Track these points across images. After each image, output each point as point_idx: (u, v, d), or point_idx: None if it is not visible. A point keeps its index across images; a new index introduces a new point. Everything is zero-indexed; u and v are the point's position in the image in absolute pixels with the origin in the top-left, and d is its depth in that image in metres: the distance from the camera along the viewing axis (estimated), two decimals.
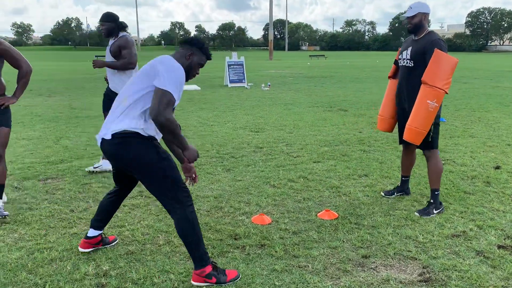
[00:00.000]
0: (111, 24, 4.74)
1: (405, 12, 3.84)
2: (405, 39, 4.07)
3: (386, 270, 2.88)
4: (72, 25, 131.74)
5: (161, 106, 2.42)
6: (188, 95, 12.45)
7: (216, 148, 6.13)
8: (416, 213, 3.79)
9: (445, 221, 3.63)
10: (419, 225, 3.57)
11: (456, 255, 3.07)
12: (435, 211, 3.79)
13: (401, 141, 4.10)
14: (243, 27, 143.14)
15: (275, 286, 2.68)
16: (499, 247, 3.18)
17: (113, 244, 3.19)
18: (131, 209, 3.89)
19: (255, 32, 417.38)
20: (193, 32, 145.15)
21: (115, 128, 2.60)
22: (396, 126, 4.17)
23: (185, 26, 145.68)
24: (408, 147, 4.14)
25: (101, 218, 3.05)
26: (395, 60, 4.06)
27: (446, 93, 3.55)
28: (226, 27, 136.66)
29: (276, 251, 3.11)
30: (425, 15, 3.72)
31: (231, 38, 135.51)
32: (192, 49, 2.73)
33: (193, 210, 2.66)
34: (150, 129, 2.64)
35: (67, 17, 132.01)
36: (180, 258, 3.01)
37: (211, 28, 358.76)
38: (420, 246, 3.20)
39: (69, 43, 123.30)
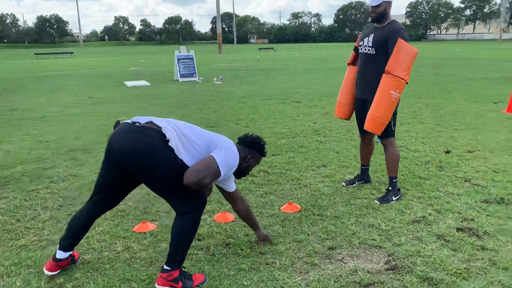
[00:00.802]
0: None
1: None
2: (365, 27, 4.06)
3: (353, 260, 2.88)
4: (7, 21, 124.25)
5: (200, 177, 2.36)
6: (137, 91, 12.05)
7: None
8: (376, 201, 3.83)
9: (405, 208, 3.69)
10: (380, 213, 3.61)
11: (418, 240, 3.12)
12: (394, 198, 3.84)
13: (361, 129, 4.11)
14: (190, 20, 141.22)
15: (244, 286, 2.59)
16: (458, 229, 3.26)
17: (79, 260, 2.86)
18: None
19: (202, 26, 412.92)
20: (138, 27, 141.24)
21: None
22: (357, 115, 4.16)
23: (130, 21, 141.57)
24: (366, 136, 4.17)
25: (71, 237, 2.66)
26: (355, 47, 4.06)
27: (407, 83, 3.59)
28: (173, 21, 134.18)
29: (242, 249, 3.02)
30: (389, 3, 3.71)
31: (178, 32, 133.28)
32: (252, 152, 2.74)
33: (201, 217, 2.58)
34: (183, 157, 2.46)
35: (1, 13, 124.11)
36: (141, 265, 2.85)
37: (157, 22, 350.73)
38: (384, 234, 3.23)
39: (5, 40, 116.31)
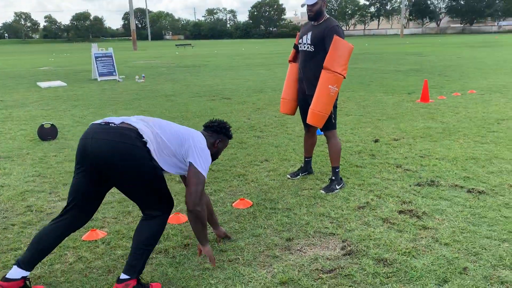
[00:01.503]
0: None
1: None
2: (303, 25, 4.20)
3: (311, 249, 2.99)
4: None
5: (198, 195, 2.45)
6: (54, 93, 11.27)
7: None
8: (321, 191, 4.00)
9: (349, 195, 3.90)
10: (327, 201, 3.77)
11: (367, 225, 3.32)
12: (337, 187, 4.04)
13: (305, 123, 4.26)
14: (99, 16, 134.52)
15: (211, 285, 2.58)
16: (400, 212, 3.52)
17: None
18: (23, 228, 3.39)
19: (113, 22, 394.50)
20: (42, 23, 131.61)
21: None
22: (301, 110, 4.30)
23: (32, 17, 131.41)
24: (309, 130, 4.33)
25: (37, 253, 2.42)
26: (295, 44, 4.19)
27: (344, 77, 3.78)
28: (81, 17, 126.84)
29: None
30: (324, 2, 3.87)
31: (88, 28, 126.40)
32: (220, 136, 2.78)
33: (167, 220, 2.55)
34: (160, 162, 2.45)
35: None
36: (98, 274, 2.71)
37: (63, 19, 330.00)
38: (335, 222, 3.39)
39: None
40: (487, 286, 2.50)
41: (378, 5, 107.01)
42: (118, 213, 3.63)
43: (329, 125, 4.00)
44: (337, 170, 4.10)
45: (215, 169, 4.68)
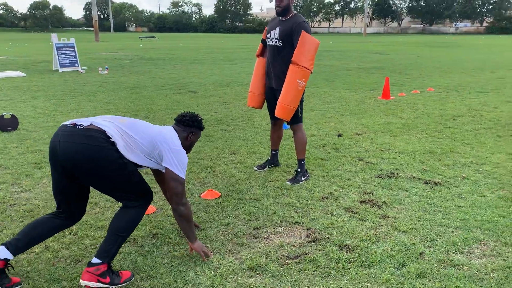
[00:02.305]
0: None
1: None
2: (270, 20, 4.28)
3: (278, 237, 3.10)
4: None
5: (180, 196, 2.56)
6: (13, 83, 10.88)
7: None
8: (287, 182, 4.12)
9: (313, 186, 4.04)
10: (293, 192, 3.90)
11: (330, 214, 3.46)
12: (303, 178, 4.17)
13: (272, 117, 4.35)
14: (59, 6, 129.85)
15: (180, 272, 2.64)
16: (361, 202, 3.69)
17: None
18: None
19: (74, 12, 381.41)
20: None
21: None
22: (268, 103, 4.39)
23: None
24: (276, 123, 4.43)
25: (27, 239, 2.45)
26: (262, 39, 4.26)
27: (311, 72, 3.90)
28: (39, 6, 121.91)
29: (171, 238, 3.04)
30: None
31: (47, 18, 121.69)
32: (192, 129, 2.80)
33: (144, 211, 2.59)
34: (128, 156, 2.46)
35: None
36: (66, 263, 2.71)
37: (21, 7, 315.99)
38: (300, 211, 3.51)
39: None
40: (440, 269, 2.68)
41: (342, 3, 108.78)
42: None
43: (296, 119, 4.12)
44: (302, 162, 4.23)
45: None
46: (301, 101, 4.08)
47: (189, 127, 2.81)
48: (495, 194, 3.82)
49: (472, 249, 2.91)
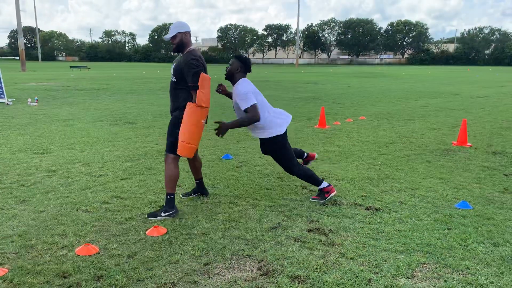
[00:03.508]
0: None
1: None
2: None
3: (229, 272, 3.05)
4: None
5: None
6: None
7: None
8: (146, 215, 3.98)
9: (261, 217, 4.05)
10: (242, 224, 3.88)
11: (280, 245, 3.48)
12: (163, 214, 3.97)
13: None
14: None
15: None
16: (309, 231, 3.75)
17: None
18: None
19: None
20: None
21: None
22: None
23: None
24: None
25: None
26: None
27: (208, 107, 3.91)
28: None
29: (117, 280, 2.89)
30: (185, 33, 3.98)
31: None
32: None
33: None
34: None
35: None
36: None
37: None
38: (250, 243, 3.49)
39: None
40: None
41: (275, 35, 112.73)
42: (19, 247, 3.34)
43: (171, 148, 4.03)
44: (168, 196, 4.05)
45: (124, 197, 4.54)
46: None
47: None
48: (431, 217, 4.06)
49: (415, 273, 3.04)
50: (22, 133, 8.12)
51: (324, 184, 4.49)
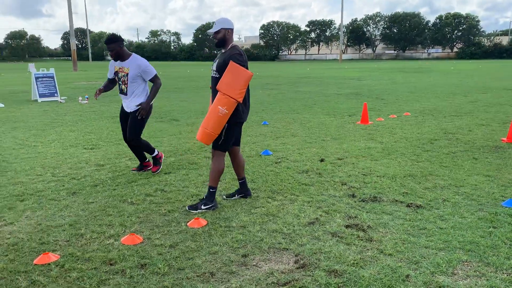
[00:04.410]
0: None
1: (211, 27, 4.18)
2: (218, 52, 4.39)
3: (266, 264, 3.12)
4: None
5: None
6: None
7: (50, 171, 5.51)
8: (187, 208, 4.11)
9: (299, 212, 4.09)
10: (279, 218, 3.93)
11: (317, 239, 3.50)
12: (203, 207, 4.09)
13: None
14: (36, 35, 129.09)
15: None
16: (347, 227, 3.75)
17: None
18: None
19: (51, 42, 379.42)
20: None
21: None
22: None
23: None
24: (231, 152, 4.40)
25: None
26: None
27: (239, 102, 3.91)
28: (16, 36, 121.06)
29: (159, 268, 3.03)
30: (228, 30, 4.08)
31: (24, 48, 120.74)
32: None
33: None
34: None
35: None
36: None
37: None
38: (287, 237, 3.54)
39: None
40: None
41: (318, 31, 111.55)
42: (70, 235, 3.56)
43: (216, 145, 4.14)
44: (211, 189, 4.16)
45: (167, 190, 4.71)
46: (230, 130, 4.08)
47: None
48: (475, 215, 3.94)
49: (456, 270, 2.98)
50: (74, 129, 8.56)
51: (156, 151, 5.39)
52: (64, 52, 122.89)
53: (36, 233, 3.60)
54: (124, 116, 5.40)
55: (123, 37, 5.23)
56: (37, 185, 4.92)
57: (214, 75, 4.13)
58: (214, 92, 4.13)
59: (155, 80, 5.21)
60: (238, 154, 4.44)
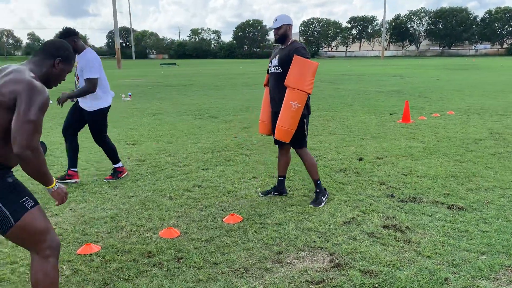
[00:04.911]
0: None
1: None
2: (273, 48, 4.43)
3: (301, 262, 3.11)
4: None
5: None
6: None
7: (94, 165, 5.73)
8: (310, 205, 4.15)
9: (335, 211, 4.05)
10: (315, 217, 3.91)
11: (353, 239, 3.46)
12: (323, 198, 4.22)
13: (276, 141, 4.40)
14: (83, 34, 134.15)
15: None
16: (384, 227, 3.68)
17: None
18: None
19: (96, 40, 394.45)
20: (25, 40, 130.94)
21: None
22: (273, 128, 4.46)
23: (15, 34, 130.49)
24: (283, 148, 4.45)
25: None
26: (267, 69, 4.38)
27: (309, 93, 3.95)
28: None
29: (195, 262, 3.09)
30: (289, 26, 4.13)
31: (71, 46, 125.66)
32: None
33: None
34: None
35: None
36: (95, 286, 2.79)
37: (47, 36, 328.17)
38: (322, 236, 3.52)
39: None
40: None
41: (359, 27, 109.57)
42: (111, 228, 3.70)
43: (300, 143, 4.20)
44: (318, 182, 4.29)
45: (204, 186, 4.79)
46: (304, 124, 4.15)
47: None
48: None
49: (498, 275, 2.87)
50: (117, 125, 8.85)
51: (120, 164, 5.12)
52: (108, 50, 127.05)
53: (79, 225, 3.76)
54: (76, 109, 5.08)
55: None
56: (81, 178, 5.13)
57: (275, 70, 4.15)
58: (275, 87, 4.16)
59: (89, 81, 4.73)
60: (289, 151, 4.51)
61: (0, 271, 2.98)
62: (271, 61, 4.23)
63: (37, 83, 2.12)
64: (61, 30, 4.72)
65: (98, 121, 5.09)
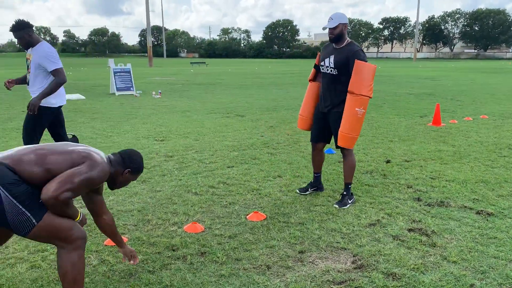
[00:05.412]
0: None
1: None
2: (323, 46, 4.40)
3: (323, 262, 3.11)
4: None
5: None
6: (74, 105, 11.62)
7: None
8: (335, 205, 4.13)
9: (360, 212, 4.02)
10: (339, 218, 3.89)
11: (377, 241, 3.43)
12: (349, 201, 4.19)
13: (314, 139, 4.43)
14: (116, 32, 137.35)
15: None
16: (409, 230, 3.63)
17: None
18: None
19: (129, 38, 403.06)
20: (61, 38, 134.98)
21: None
22: (315, 126, 4.46)
23: (52, 31, 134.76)
24: (317, 146, 4.47)
25: None
26: (315, 64, 4.37)
27: (371, 97, 3.96)
28: (99, 33, 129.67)
29: (218, 257, 3.13)
30: (345, 25, 4.05)
31: (105, 44, 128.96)
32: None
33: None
34: None
35: None
36: (120, 276, 2.86)
37: (82, 34, 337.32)
38: (346, 237, 3.50)
39: None
40: None
41: (391, 28, 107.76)
42: (138, 220, 3.79)
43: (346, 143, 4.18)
44: (349, 186, 4.25)
45: (229, 183, 4.83)
46: None
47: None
48: None
49: None
50: (146, 122, 9.03)
51: None
52: (140, 49, 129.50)
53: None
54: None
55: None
56: None
57: (330, 71, 4.11)
58: (329, 89, 4.14)
59: (57, 74, 4.40)
60: (323, 149, 4.56)
61: (32, 258, 3.10)
62: (323, 60, 4.17)
63: (107, 169, 2.42)
64: (14, 23, 4.29)
65: (40, 117, 4.51)
